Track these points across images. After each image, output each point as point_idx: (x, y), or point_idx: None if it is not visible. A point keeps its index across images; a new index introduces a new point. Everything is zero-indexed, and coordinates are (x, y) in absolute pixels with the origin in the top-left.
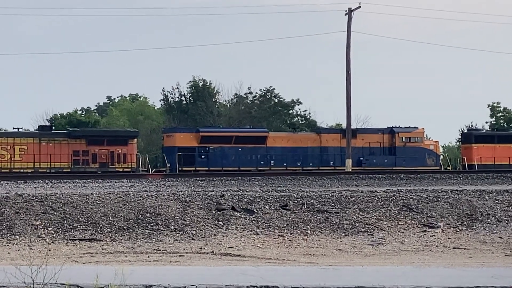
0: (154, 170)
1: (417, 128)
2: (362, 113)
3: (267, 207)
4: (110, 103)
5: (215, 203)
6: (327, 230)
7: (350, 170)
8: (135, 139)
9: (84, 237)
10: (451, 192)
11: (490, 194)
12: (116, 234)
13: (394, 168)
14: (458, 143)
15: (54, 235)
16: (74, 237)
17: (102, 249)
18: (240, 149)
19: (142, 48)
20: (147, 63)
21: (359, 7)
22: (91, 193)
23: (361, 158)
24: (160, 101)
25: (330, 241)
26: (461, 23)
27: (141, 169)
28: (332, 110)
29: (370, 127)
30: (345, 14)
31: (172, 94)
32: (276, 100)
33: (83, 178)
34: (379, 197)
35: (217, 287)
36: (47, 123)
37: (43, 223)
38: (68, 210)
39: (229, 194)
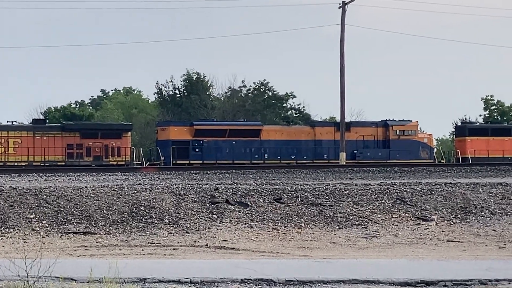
0: (148, 163)
1: (411, 121)
2: (356, 106)
3: (261, 200)
4: (104, 96)
5: (209, 196)
6: (321, 223)
7: (344, 163)
8: (129, 133)
9: (78, 230)
10: (445, 185)
11: (484, 187)
12: (110, 228)
13: (388, 161)
14: (452, 136)
15: (48, 228)
16: (68, 230)
17: (97, 242)
18: (234, 142)
19: (136, 42)
20: (141, 57)
21: (353, 0)
22: (85, 186)
23: (355, 151)
24: (154, 94)
25: (324, 234)
26: (455, 16)
27: (135, 162)
28: (326, 104)
29: (364, 120)
30: (339, 8)
31: (166, 87)
32: (270, 94)
33: (77, 171)
34: (373, 190)
35: (211, 280)
36: (41, 117)
37: (37, 216)
38: (62, 203)
39: (223, 187)
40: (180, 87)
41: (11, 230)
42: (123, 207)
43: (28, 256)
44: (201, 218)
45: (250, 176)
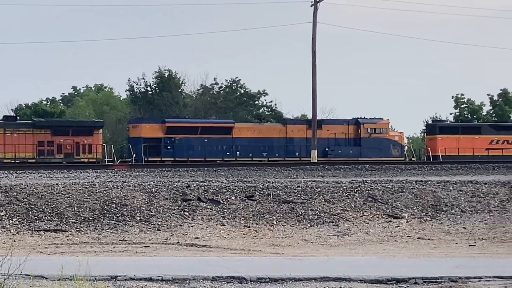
0: (119, 160)
1: (382, 119)
2: (327, 104)
3: (233, 198)
4: (76, 93)
5: (181, 194)
6: (293, 221)
7: (316, 161)
8: (101, 130)
9: (49, 227)
10: (416, 183)
11: (454, 185)
12: (82, 225)
13: (359, 159)
14: (422, 134)
15: (19, 226)
16: (39, 227)
17: (68, 239)
18: (206, 140)
19: (108, 39)
20: (112, 54)
21: None
22: (56, 184)
23: (327, 149)
24: (125, 91)
25: (295, 231)
26: (427, 15)
27: (106, 159)
28: (298, 101)
29: (335, 118)
30: (311, 6)
31: (137, 84)
32: (242, 91)
33: (48, 168)
34: (345, 187)
35: (182, 278)
36: (12, 113)
37: (8, 214)
38: (33, 200)
39: (195, 185)
40: (152, 85)
41: None
42: (94, 205)
43: None
44: (173, 216)
45: (222, 173)
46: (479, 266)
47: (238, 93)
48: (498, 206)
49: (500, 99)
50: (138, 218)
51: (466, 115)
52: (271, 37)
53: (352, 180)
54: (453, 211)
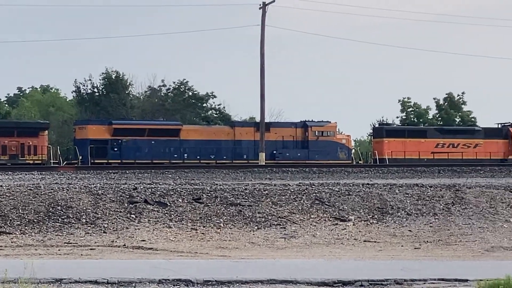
0: (65, 162)
1: (330, 122)
2: (276, 106)
3: (180, 200)
4: (21, 94)
5: (128, 196)
6: (240, 223)
7: (264, 164)
8: (46, 131)
9: None
10: (363, 186)
11: (400, 188)
12: (26, 227)
13: (307, 161)
14: (369, 137)
15: None
16: None
17: (12, 242)
18: (153, 142)
19: (55, 39)
20: (59, 55)
21: (273, 1)
22: (1, 186)
23: (275, 152)
24: (72, 92)
25: (243, 234)
26: (375, 18)
27: (52, 161)
28: (246, 104)
29: (283, 121)
30: (259, 8)
31: (84, 86)
32: (190, 93)
33: None
34: (292, 190)
35: (128, 281)
36: None
37: None
38: None
39: (142, 187)
40: (99, 86)
41: None
42: (39, 207)
43: None
44: (119, 218)
45: (169, 175)
46: (424, 268)
47: (186, 95)
48: (443, 209)
49: (446, 103)
50: (84, 221)
51: (412, 119)
52: (219, 40)
53: (299, 183)
54: (399, 214)
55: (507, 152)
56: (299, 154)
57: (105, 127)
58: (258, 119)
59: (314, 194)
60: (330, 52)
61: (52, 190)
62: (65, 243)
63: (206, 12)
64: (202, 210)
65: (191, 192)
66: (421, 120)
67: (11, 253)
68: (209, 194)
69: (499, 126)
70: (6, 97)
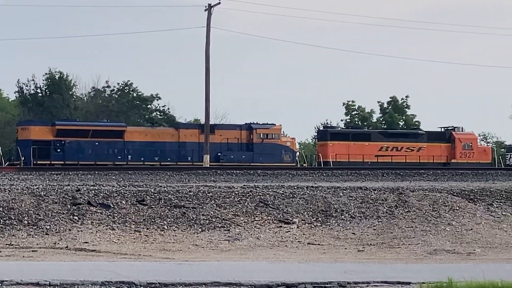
0: (7, 163)
1: (275, 125)
2: (220, 109)
3: (123, 202)
4: None
5: (71, 198)
6: (184, 226)
7: (208, 166)
8: None
9: None
10: (307, 189)
11: (344, 191)
12: None
13: (251, 164)
14: (314, 140)
15: None
16: None
17: None
18: (97, 143)
19: None
20: (0, 54)
21: (219, 3)
22: None
23: (219, 154)
24: (14, 93)
25: (186, 236)
26: (320, 22)
27: None
28: (191, 106)
29: (228, 123)
30: (205, 10)
31: (27, 86)
32: (135, 95)
33: None
34: (236, 192)
35: (71, 283)
36: None
37: None
38: None
39: (85, 189)
40: (42, 86)
41: None
42: None
43: None
44: (62, 220)
45: (113, 177)
46: (367, 271)
47: (131, 97)
48: (387, 212)
49: (390, 107)
50: (26, 222)
51: (356, 122)
52: (164, 41)
53: (244, 185)
54: (342, 216)
55: (449, 156)
56: (243, 157)
57: (48, 128)
58: (203, 121)
59: (259, 196)
60: (276, 55)
61: None
62: (6, 245)
63: (152, 13)
64: (146, 212)
65: (135, 194)
66: (365, 123)
67: None
68: (153, 196)
69: (442, 130)
70: None
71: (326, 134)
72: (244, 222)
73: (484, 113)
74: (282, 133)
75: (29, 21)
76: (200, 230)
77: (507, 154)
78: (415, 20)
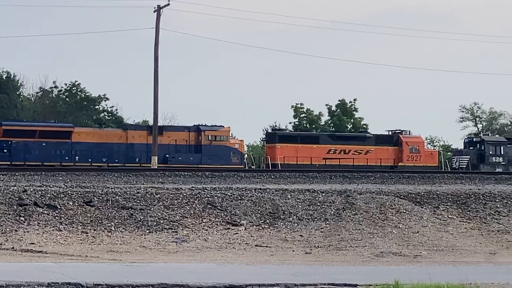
0: None
1: (223, 126)
2: (169, 110)
3: (70, 203)
4: None
5: (17, 198)
6: (131, 227)
7: (156, 167)
8: None
9: None
10: (255, 191)
11: (292, 193)
12: None
13: (199, 165)
14: (262, 142)
15: None
16: None
17: None
18: (44, 144)
19: None
20: None
21: (168, 4)
22: None
23: (167, 155)
24: None
25: (134, 238)
26: (268, 24)
27: None
28: (140, 107)
29: (176, 125)
30: (154, 11)
31: None
32: (83, 95)
33: None
34: (184, 194)
35: (17, 284)
36: None
37: None
38: None
39: (32, 189)
40: None
41: None
42: None
43: None
44: (8, 221)
45: (60, 178)
46: (314, 273)
47: (78, 97)
48: (334, 214)
49: (338, 110)
50: None
51: (304, 125)
52: (113, 42)
53: (192, 187)
54: (290, 219)
55: (397, 159)
56: (192, 158)
57: None
58: (151, 122)
59: (207, 198)
60: (225, 57)
61: None
62: None
63: (100, 14)
64: (93, 214)
65: (82, 195)
66: (313, 126)
67: None
68: (101, 197)
69: (390, 133)
70: None
71: (274, 136)
72: (192, 224)
73: (431, 116)
74: (230, 135)
75: None
76: (147, 231)
77: (454, 158)
78: (365, 24)
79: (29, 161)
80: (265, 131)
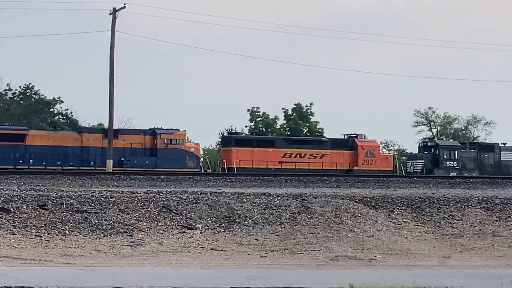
0: None
1: (179, 130)
2: (124, 113)
3: (24, 207)
4: None
5: None
6: (86, 231)
7: (111, 171)
8: None
9: None
10: (210, 194)
11: (248, 197)
12: None
13: (155, 169)
14: (218, 146)
15: None
16: None
17: None
18: None
19: None
20: None
21: (124, 7)
22: None
23: (123, 159)
24: None
25: (88, 241)
26: (225, 28)
27: None
28: (95, 110)
29: (132, 128)
30: (110, 14)
31: None
32: (37, 98)
33: None
34: (140, 198)
35: None
36: None
37: None
38: None
39: None
40: None
41: None
42: None
43: None
44: None
45: (14, 181)
46: (270, 277)
47: (33, 100)
48: (290, 218)
49: (294, 114)
50: None
51: (261, 128)
52: (69, 44)
53: (147, 190)
54: (246, 222)
55: (352, 163)
56: (147, 162)
57: None
58: (106, 126)
59: (162, 202)
60: (182, 60)
61: None
62: None
63: (56, 16)
64: (47, 217)
65: (36, 199)
66: (269, 130)
67: None
68: (55, 201)
69: (345, 137)
70: None
71: (230, 140)
72: (147, 227)
73: (386, 121)
74: (186, 138)
75: None
76: (102, 235)
77: (408, 162)
78: (321, 28)
79: None
80: (221, 135)
